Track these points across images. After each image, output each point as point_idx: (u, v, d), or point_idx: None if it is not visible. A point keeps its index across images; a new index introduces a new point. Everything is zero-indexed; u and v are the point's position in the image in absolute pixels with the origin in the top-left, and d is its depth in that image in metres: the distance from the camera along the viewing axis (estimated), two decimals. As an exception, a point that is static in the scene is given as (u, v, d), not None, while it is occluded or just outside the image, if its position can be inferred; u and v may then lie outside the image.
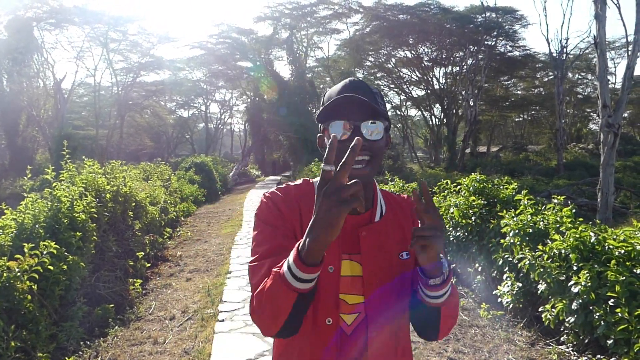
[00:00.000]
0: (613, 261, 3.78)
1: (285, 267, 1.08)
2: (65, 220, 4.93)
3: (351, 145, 0.98)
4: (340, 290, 1.25)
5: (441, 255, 1.19)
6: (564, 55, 27.72)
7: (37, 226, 4.61)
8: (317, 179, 1.28)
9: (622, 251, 3.96)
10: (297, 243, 1.07)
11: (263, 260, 1.21)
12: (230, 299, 5.60)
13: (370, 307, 1.26)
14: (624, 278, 3.55)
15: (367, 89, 1.27)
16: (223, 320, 4.93)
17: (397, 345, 1.32)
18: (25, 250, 3.95)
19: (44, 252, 4.05)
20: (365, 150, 1.22)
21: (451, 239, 6.32)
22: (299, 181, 1.40)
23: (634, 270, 3.73)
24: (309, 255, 1.03)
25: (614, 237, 4.19)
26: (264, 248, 1.24)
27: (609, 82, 16.13)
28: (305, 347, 1.25)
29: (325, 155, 1.02)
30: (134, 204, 7.49)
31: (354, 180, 0.97)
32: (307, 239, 1.02)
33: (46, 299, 4.18)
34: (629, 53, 11.78)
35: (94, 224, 5.61)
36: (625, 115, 44.65)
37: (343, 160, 0.97)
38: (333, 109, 1.24)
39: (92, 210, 5.68)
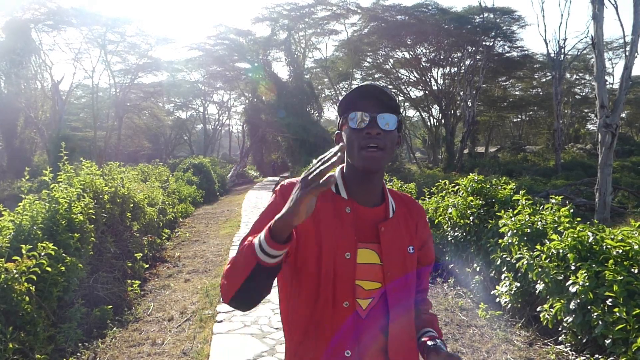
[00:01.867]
0: (611, 261, 3.79)
1: (256, 239, 1.18)
2: (63, 222, 4.92)
3: (334, 150, 1.07)
4: (356, 277, 1.32)
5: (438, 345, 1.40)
6: (562, 56, 27.77)
7: (34, 227, 4.60)
8: (336, 172, 1.44)
9: (620, 251, 3.97)
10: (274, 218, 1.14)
11: (253, 235, 1.27)
12: (229, 300, 5.59)
13: (390, 294, 1.34)
14: (622, 278, 3.56)
15: (383, 88, 1.35)
16: (221, 321, 4.93)
17: (412, 332, 1.43)
18: (23, 251, 3.94)
19: (42, 254, 4.04)
20: (379, 139, 1.31)
21: (449, 239, 6.32)
22: None
23: (632, 270, 3.74)
24: (275, 233, 1.12)
25: (612, 236, 4.20)
26: (258, 225, 1.33)
27: (607, 83, 16.16)
28: (326, 326, 1.32)
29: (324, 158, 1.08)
30: (132, 205, 7.48)
31: (329, 175, 1.04)
32: (277, 217, 1.12)
33: (44, 300, 4.17)
34: (627, 53, 11.79)
35: (92, 225, 5.61)
36: (623, 115, 44.71)
37: (325, 158, 1.06)
38: (352, 101, 1.35)
39: (90, 211, 5.67)
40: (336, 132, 1.44)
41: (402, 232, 1.41)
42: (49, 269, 4.09)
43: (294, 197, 1.08)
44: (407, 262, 1.40)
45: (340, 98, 1.42)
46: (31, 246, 4.03)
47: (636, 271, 3.72)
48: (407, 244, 1.41)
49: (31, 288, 3.91)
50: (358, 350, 1.32)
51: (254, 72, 32.32)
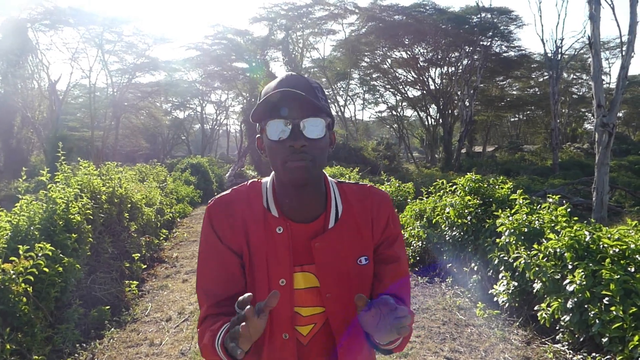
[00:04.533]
0: (608, 260, 3.80)
1: (215, 342, 1.10)
2: (60, 222, 4.91)
3: (269, 296, 0.94)
4: (295, 304, 1.21)
5: None
6: (559, 56, 27.84)
7: (32, 228, 4.59)
8: (265, 179, 1.28)
9: (617, 250, 3.99)
10: (221, 332, 1.09)
11: (204, 294, 1.24)
12: (227, 300, 5.59)
13: (333, 317, 1.21)
14: (619, 276, 3.57)
15: (306, 84, 1.15)
16: (219, 321, 4.92)
17: (362, 349, 1.26)
18: (20, 252, 3.93)
19: (39, 254, 4.03)
20: (305, 151, 1.11)
21: (447, 238, 6.33)
22: (246, 183, 1.31)
23: (629, 269, 3.75)
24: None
25: (609, 236, 4.22)
26: (201, 277, 1.26)
27: (604, 82, 16.20)
28: None
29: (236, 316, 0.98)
30: (129, 205, 7.47)
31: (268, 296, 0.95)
32: (225, 345, 1.01)
33: (41, 301, 4.16)
34: (623, 53, 11.83)
35: (90, 226, 5.60)
36: (620, 114, 44.89)
37: (259, 307, 0.95)
38: (269, 107, 1.12)
39: (88, 211, 5.66)
40: (257, 135, 1.25)
41: (345, 243, 1.22)
42: (46, 269, 4.08)
43: (229, 346, 0.96)
44: (356, 277, 1.22)
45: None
46: (28, 247, 4.03)
47: (633, 270, 3.74)
48: (357, 254, 1.23)
49: (28, 289, 3.90)
50: None
51: (254, 71, 32.26)
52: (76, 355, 4.08)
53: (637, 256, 3.87)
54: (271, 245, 1.20)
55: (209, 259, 1.24)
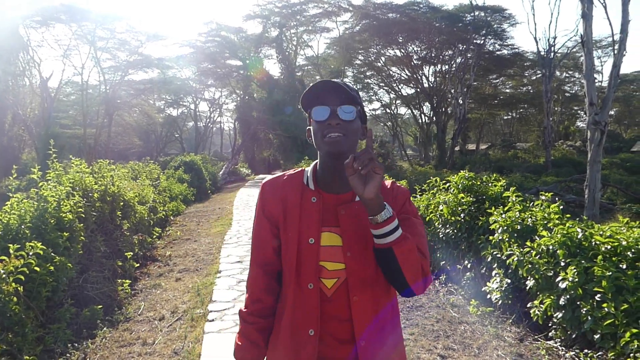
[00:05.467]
0: (600, 257, 3.82)
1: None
2: (52, 221, 4.87)
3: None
4: (320, 258, 1.43)
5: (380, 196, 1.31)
6: (552, 54, 27.97)
7: (23, 227, 4.55)
8: (310, 167, 1.56)
9: (609, 247, 4.00)
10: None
11: (255, 259, 1.58)
12: (220, 299, 5.58)
13: (352, 273, 1.42)
14: (610, 273, 3.59)
15: (343, 83, 1.43)
16: (213, 320, 4.91)
17: (379, 310, 1.45)
18: (11, 251, 3.89)
19: (30, 253, 3.99)
20: (340, 128, 1.40)
21: (440, 236, 6.34)
22: (295, 170, 1.61)
23: (620, 266, 3.77)
24: None
25: (601, 233, 4.23)
26: (255, 249, 1.58)
27: (596, 81, 16.29)
28: (291, 308, 1.46)
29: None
30: (122, 203, 7.43)
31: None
32: None
33: (32, 300, 4.13)
34: (615, 52, 11.89)
35: (82, 224, 5.56)
36: (612, 112, 45.22)
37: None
38: (314, 96, 1.43)
39: (80, 210, 5.62)
40: (307, 127, 1.53)
41: (363, 217, 1.42)
42: (37, 268, 4.04)
43: None
44: (371, 242, 1.40)
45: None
46: (19, 245, 3.99)
47: (624, 267, 3.75)
48: (367, 230, 1.41)
49: (19, 288, 3.87)
50: (322, 328, 1.43)
51: (252, 66, 32.18)
52: (68, 355, 4.05)
53: (628, 253, 3.89)
54: (305, 211, 1.47)
55: (256, 230, 1.57)
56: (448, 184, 6.78)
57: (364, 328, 1.42)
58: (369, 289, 1.43)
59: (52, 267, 4.36)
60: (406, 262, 1.34)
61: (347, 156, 1.39)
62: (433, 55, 35.62)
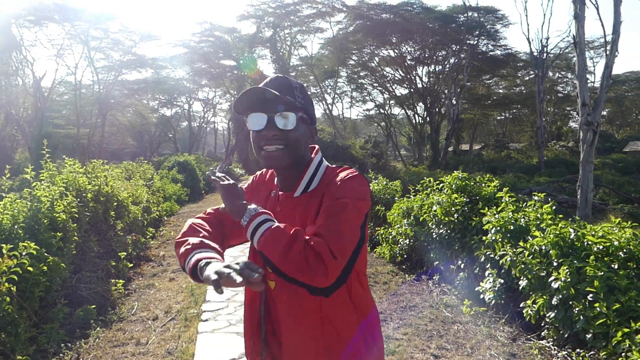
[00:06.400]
0: (592, 257, 3.85)
1: (186, 264, 1.35)
2: (45, 221, 4.85)
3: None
4: None
5: (245, 202, 1.33)
6: (545, 55, 28.14)
7: (16, 227, 4.53)
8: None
9: (601, 247, 4.04)
10: (194, 261, 1.31)
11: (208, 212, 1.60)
12: (214, 299, 5.57)
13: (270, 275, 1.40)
14: (602, 273, 3.62)
15: (287, 83, 1.37)
16: (206, 320, 4.90)
17: (309, 312, 1.38)
18: (4, 251, 3.87)
19: (23, 253, 3.97)
20: (279, 139, 1.35)
21: (434, 236, 6.36)
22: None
23: (612, 266, 3.81)
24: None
25: (593, 233, 4.27)
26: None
27: (588, 81, 16.40)
28: (245, 303, 1.55)
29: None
30: (115, 203, 7.40)
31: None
32: (201, 274, 1.26)
33: (25, 300, 4.11)
34: (607, 52, 11.98)
35: (75, 224, 5.53)
36: (604, 113, 45.51)
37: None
38: (250, 102, 1.36)
39: (73, 210, 5.59)
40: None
41: (308, 212, 1.37)
42: (30, 268, 4.02)
43: (208, 277, 1.18)
44: None
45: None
46: (12, 246, 3.97)
47: (616, 267, 3.79)
48: (305, 224, 1.35)
49: (12, 288, 3.85)
50: (268, 317, 1.47)
51: (246, 65, 32.10)
52: (61, 355, 4.03)
53: (620, 253, 3.93)
54: (268, 205, 1.48)
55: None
56: (442, 185, 6.80)
57: (288, 329, 1.40)
58: (292, 292, 1.37)
59: (45, 267, 4.34)
60: (265, 247, 1.24)
61: (289, 168, 1.42)
62: (426, 55, 35.72)
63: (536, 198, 5.48)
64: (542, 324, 4.26)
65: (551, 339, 4.12)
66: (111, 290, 5.62)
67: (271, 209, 1.43)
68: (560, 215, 4.97)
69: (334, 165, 1.50)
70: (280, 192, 1.48)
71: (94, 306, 4.95)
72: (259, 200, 1.49)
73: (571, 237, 4.27)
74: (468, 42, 32.08)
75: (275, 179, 1.52)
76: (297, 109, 1.36)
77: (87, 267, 5.65)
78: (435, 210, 6.37)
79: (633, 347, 3.11)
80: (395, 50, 35.59)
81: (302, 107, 1.38)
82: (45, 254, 4.47)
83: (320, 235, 1.23)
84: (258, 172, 1.66)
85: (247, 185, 1.64)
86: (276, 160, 1.36)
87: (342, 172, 1.42)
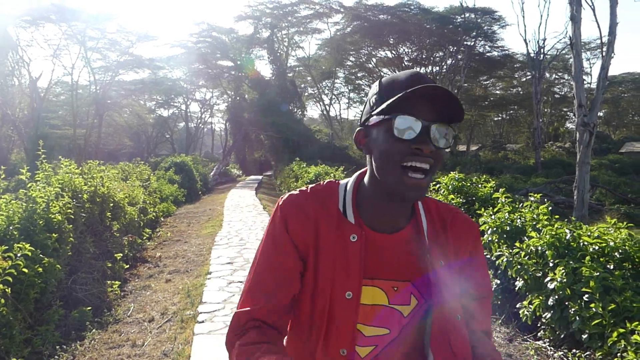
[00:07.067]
0: (588, 257, 3.85)
1: None
2: (40, 222, 4.83)
3: None
4: (357, 320, 1.07)
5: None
6: (542, 56, 28.24)
7: (11, 228, 4.51)
8: (345, 180, 1.18)
9: (596, 247, 4.05)
10: None
11: (258, 290, 1.11)
12: (210, 300, 5.55)
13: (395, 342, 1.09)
14: (598, 274, 3.63)
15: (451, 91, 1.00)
16: (203, 322, 4.89)
17: None
18: (-1, 252, 3.86)
19: (18, 255, 3.96)
20: (431, 157, 0.98)
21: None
22: (322, 183, 1.19)
23: (608, 266, 3.82)
24: None
25: (589, 233, 4.28)
26: (260, 272, 1.12)
27: (585, 82, 16.45)
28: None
29: None
30: (112, 204, 7.38)
31: None
32: None
33: (20, 302, 4.09)
34: (604, 54, 12.02)
35: (71, 225, 5.51)
36: (601, 114, 45.65)
37: None
38: (403, 98, 0.96)
39: (69, 211, 5.57)
40: (357, 129, 1.11)
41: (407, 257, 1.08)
42: (25, 270, 4.01)
43: None
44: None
45: (382, 86, 1.05)
46: (7, 247, 3.95)
47: (612, 267, 3.80)
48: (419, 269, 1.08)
49: (7, 290, 3.83)
50: None
51: (242, 67, 32.11)
52: (56, 357, 4.01)
53: (616, 254, 3.94)
54: (342, 254, 1.07)
55: (272, 254, 1.11)
56: (438, 185, 6.81)
57: None
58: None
59: (40, 269, 4.32)
60: None
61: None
62: (424, 56, 35.80)
63: (532, 199, 5.48)
64: (539, 325, 4.26)
65: (547, 340, 4.13)
66: (107, 291, 5.60)
67: (373, 260, 1.08)
68: (557, 216, 4.97)
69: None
70: (369, 231, 1.09)
71: (89, 308, 4.93)
72: (325, 247, 1.09)
73: (567, 237, 4.28)
74: (465, 43, 32.17)
75: (349, 208, 1.11)
76: (455, 123, 1.03)
77: (82, 269, 5.63)
78: (431, 211, 6.37)
79: (629, 348, 3.11)
80: (393, 51, 35.66)
81: (459, 121, 1.03)
82: (41, 255, 4.45)
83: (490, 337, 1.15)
84: (286, 199, 1.15)
85: (284, 216, 1.12)
86: (420, 191, 1.00)
87: (456, 215, 1.18)
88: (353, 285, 1.05)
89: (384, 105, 0.99)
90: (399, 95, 0.96)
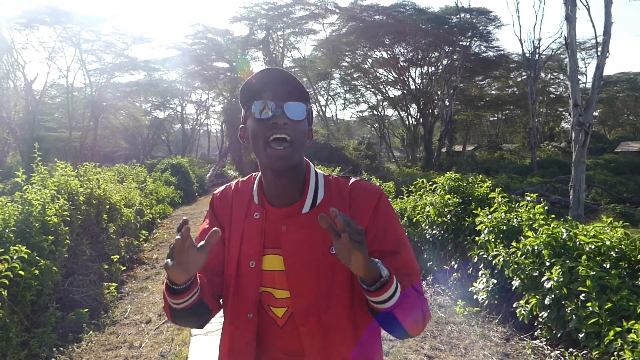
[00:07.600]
0: (584, 256, 3.87)
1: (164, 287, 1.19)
2: (36, 224, 4.81)
3: (209, 234, 1.07)
4: (265, 284, 1.25)
5: (374, 259, 1.09)
6: (537, 56, 28.34)
7: (7, 230, 4.49)
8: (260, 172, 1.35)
9: (593, 247, 4.06)
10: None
11: None
12: (208, 301, 5.54)
13: (296, 303, 1.21)
14: (594, 273, 3.64)
15: (290, 74, 1.21)
16: (200, 323, 4.88)
17: (336, 342, 1.22)
18: (-5, 255, 3.84)
19: (15, 257, 3.94)
20: (287, 129, 1.17)
21: (427, 237, 6.38)
22: (248, 176, 1.41)
23: (604, 265, 3.83)
24: (169, 286, 1.15)
25: (585, 233, 4.29)
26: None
27: (580, 82, 16.53)
28: (228, 339, 1.30)
29: (168, 252, 1.08)
30: (108, 206, 7.36)
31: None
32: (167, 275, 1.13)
33: (17, 305, 4.08)
34: (598, 53, 12.07)
35: (67, 228, 5.50)
36: (596, 114, 45.82)
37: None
38: (256, 89, 1.20)
39: (65, 213, 5.56)
40: (240, 126, 1.30)
41: (318, 230, 1.14)
42: (22, 272, 3.99)
43: (168, 270, 1.09)
44: (325, 264, 1.21)
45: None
46: (3, 250, 3.94)
47: (608, 266, 3.81)
48: (329, 243, 1.18)
49: (3, 292, 3.82)
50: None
51: (238, 69, 32.05)
52: (53, 359, 4.01)
53: (612, 253, 3.95)
54: (247, 229, 1.27)
55: (205, 228, 1.33)
56: (435, 185, 6.81)
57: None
58: (318, 317, 1.21)
59: (37, 271, 4.31)
60: (407, 318, 1.15)
61: (293, 170, 1.23)
62: (419, 57, 35.86)
63: (529, 198, 5.50)
64: (535, 324, 4.27)
65: (544, 339, 4.14)
66: (104, 293, 5.59)
67: (272, 229, 1.25)
68: (553, 216, 4.99)
69: (329, 173, 1.37)
70: (270, 208, 1.27)
71: (86, 310, 4.91)
72: (236, 223, 1.29)
73: (563, 237, 4.29)
74: (461, 43, 32.24)
75: (255, 191, 1.31)
76: (307, 100, 1.23)
77: (79, 271, 5.62)
78: (428, 211, 6.39)
79: (625, 346, 3.13)
80: (388, 52, 35.70)
81: (308, 97, 1.24)
82: (37, 257, 4.43)
83: (419, 292, 1.21)
84: (217, 191, 1.40)
85: (214, 198, 1.38)
86: (285, 161, 1.17)
87: (357, 183, 1.29)
88: (255, 255, 1.25)
89: (243, 98, 1.25)
90: (245, 84, 1.22)
